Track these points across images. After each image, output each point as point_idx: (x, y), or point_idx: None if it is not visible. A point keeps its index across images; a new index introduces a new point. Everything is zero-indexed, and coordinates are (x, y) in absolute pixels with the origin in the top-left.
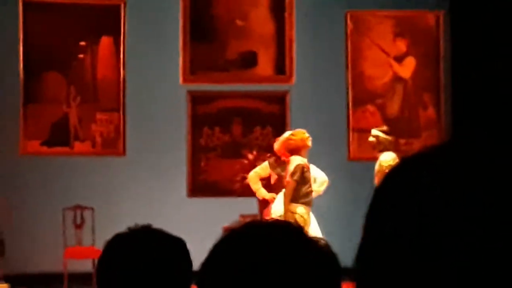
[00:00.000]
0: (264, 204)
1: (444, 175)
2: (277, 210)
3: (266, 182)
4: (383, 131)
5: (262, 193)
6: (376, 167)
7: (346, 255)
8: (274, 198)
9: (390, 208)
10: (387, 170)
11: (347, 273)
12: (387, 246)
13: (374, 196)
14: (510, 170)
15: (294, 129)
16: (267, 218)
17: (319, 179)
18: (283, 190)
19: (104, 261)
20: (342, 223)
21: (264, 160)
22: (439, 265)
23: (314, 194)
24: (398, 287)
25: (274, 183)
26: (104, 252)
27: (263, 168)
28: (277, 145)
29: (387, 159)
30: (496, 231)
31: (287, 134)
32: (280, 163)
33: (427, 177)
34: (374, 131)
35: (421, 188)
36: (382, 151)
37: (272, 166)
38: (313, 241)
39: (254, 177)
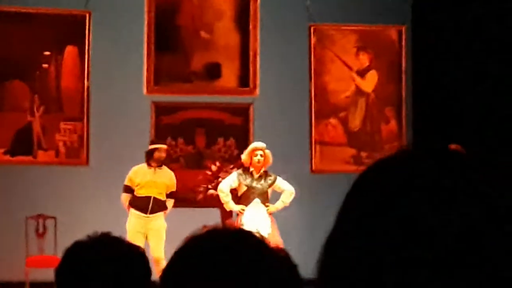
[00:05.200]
0: (228, 215)
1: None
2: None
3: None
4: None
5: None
6: None
7: (308, 266)
8: (243, 210)
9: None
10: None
11: (309, 284)
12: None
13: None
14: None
15: (257, 141)
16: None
17: (286, 191)
18: (255, 200)
19: (62, 269)
20: (305, 235)
21: (226, 172)
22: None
23: (281, 206)
24: None
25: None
26: (63, 260)
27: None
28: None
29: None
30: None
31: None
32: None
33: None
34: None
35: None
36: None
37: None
38: (274, 252)
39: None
